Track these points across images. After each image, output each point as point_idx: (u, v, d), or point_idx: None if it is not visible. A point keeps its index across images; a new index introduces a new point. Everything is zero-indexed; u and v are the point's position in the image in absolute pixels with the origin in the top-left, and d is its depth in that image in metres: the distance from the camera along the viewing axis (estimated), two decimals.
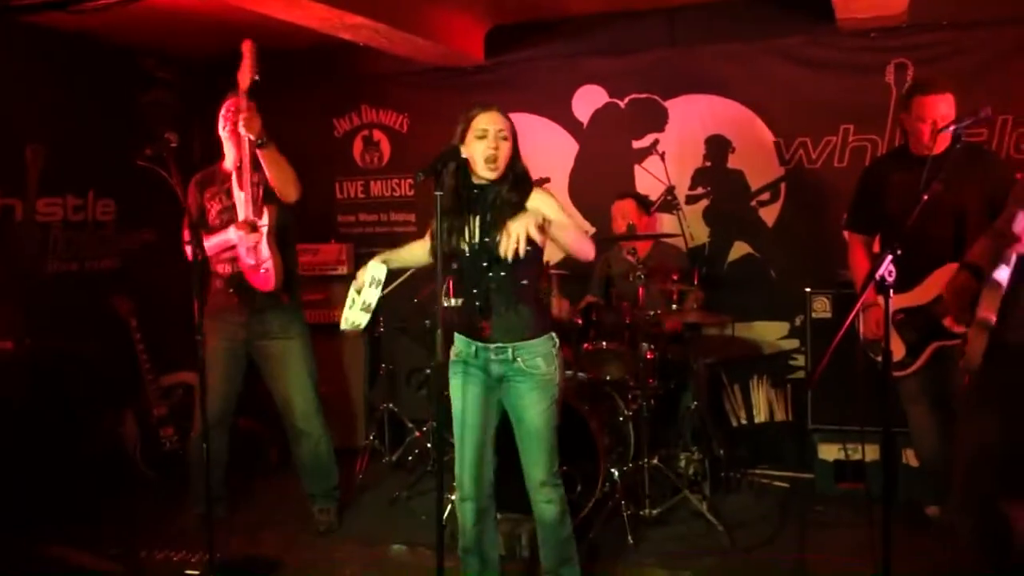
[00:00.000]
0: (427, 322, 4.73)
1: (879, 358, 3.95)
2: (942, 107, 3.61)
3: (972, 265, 3.06)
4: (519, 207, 2.95)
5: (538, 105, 5.43)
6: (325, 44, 4.83)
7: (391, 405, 5.20)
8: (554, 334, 3.16)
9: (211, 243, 3.98)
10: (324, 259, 5.55)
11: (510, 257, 2.73)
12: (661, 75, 5.18)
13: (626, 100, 5.28)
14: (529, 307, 3.08)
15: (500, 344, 3.07)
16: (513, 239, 2.70)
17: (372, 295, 3.29)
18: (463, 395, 3.18)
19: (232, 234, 3.92)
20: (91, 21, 4.43)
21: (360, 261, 5.59)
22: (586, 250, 2.93)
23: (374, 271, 3.30)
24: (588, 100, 5.36)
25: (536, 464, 3.15)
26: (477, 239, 3.03)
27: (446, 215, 2.99)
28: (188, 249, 4.07)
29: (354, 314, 3.31)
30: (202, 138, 5.89)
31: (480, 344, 3.11)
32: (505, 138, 2.99)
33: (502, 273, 3.01)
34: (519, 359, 3.06)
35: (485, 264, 3.03)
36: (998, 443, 2.93)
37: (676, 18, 5.08)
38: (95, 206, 5.18)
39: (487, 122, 2.97)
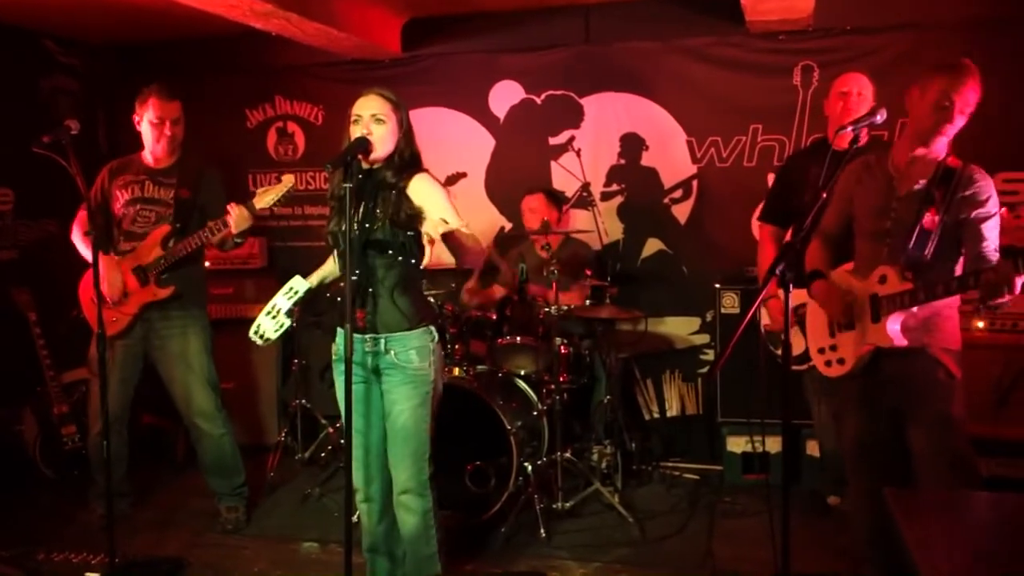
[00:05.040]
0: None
1: (779, 351, 4.06)
2: (862, 80, 3.88)
3: (819, 272, 3.20)
4: (395, 188, 2.93)
5: (455, 100, 5.41)
6: (237, 33, 4.72)
7: (304, 401, 5.11)
8: (432, 328, 3.06)
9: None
10: (235, 253, 5.34)
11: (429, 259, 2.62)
12: (577, 72, 5.21)
13: (543, 96, 5.31)
14: (407, 297, 2.99)
15: (373, 335, 2.99)
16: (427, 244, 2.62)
17: (283, 301, 3.25)
18: (344, 394, 3.05)
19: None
20: None
21: (273, 255, 5.60)
22: (475, 258, 2.86)
23: (294, 282, 3.25)
24: (505, 96, 5.36)
25: (400, 467, 3.05)
26: (358, 225, 2.95)
27: (339, 202, 2.96)
28: (74, 238, 4.02)
29: (266, 322, 3.27)
30: (107, 126, 5.73)
31: (355, 336, 2.98)
32: (381, 121, 2.92)
33: (381, 260, 2.95)
34: (391, 351, 2.98)
35: (365, 250, 2.95)
36: (871, 438, 3.05)
37: (592, 16, 5.11)
38: None
39: (360, 107, 2.95)
